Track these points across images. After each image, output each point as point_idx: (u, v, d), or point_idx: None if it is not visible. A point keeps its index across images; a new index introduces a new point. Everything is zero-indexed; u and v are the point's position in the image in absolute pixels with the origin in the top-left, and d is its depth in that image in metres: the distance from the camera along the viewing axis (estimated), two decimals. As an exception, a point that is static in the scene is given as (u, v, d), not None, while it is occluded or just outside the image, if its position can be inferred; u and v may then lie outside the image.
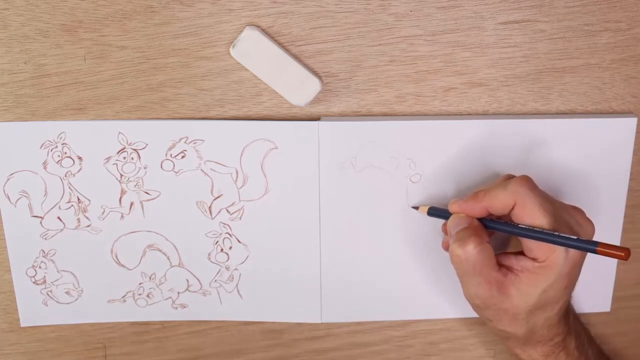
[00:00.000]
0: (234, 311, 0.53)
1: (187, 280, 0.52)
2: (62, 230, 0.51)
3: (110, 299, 0.53)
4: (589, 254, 0.44)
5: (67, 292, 0.52)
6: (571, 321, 0.48)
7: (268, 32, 0.47)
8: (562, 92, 0.50)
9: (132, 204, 0.50)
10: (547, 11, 0.48)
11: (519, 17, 0.48)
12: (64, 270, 0.52)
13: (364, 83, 0.49)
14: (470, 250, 0.43)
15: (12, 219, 0.50)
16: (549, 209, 0.43)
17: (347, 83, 0.49)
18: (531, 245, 0.43)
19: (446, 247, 0.49)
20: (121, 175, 0.50)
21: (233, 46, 0.47)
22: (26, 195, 0.50)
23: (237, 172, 0.50)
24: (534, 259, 0.44)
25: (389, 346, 0.56)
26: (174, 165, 0.50)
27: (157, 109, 0.49)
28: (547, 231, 0.42)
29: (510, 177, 0.46)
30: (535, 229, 0.43)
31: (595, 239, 0.43)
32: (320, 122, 0.49)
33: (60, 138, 0.49)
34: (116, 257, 0.52)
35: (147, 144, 0.49)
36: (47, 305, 0.52)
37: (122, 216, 0.51)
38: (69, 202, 0.50)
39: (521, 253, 0.45)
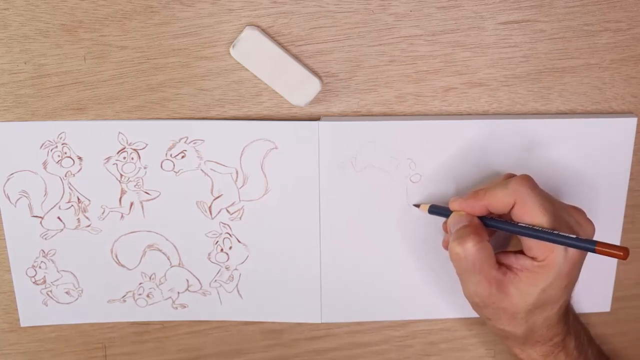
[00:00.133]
0: (234, 311, 0.53)
1: (187, 280, 0.52)
2: (62, 230, 0.51)
3: (110, 299, 0.53)
4: (589, 254, 0.44)
5: (67, 292, 0.52)
6: (571, 321, 0.48)
7: (268, 32, 0.47)
8: (562, 92, 0.50)
9: (132, 204, 0.50)
10: (547, 11, 0.48)
11: (519, 17, 0.48)
12: (64, 270, 0.52)
13: (364, 83, 0.49)
14: (470, 248, 0.43)
15: (12, 219, 0.50)
16: (548, 208, 0.43)
17: (347, 83, 0.49)
18: (531, 244, 0.43)
19: (446, 246, 0.49)
20: (121, 175, 0.50)
21: (233, 46, 0.47)
22: (26, 195, 0.50)
23: (237, 172, 0.50)
24: (533, 258, 0.44)
25: (389, 346, 0.56)
26: (174, 165, 0.50)
27: (157, 109, 0.49)
28: (546, 230, 0.42)
29: (511, 176, 0.46)
30: (534, 227, 0.43)
31: (595, 239, 0.43)
32: (320, 122, 0.49)
33: (60, 138, 0.49)
34: (116, 257, 0.52)
35: (147, 144, 0.49)
36: (47, 305, 0.52)
37: (122, 216, 0.51)
38: (69, 202, 0.50)
39: (521, 252, 0.45)
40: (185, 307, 0.53)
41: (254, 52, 0.47)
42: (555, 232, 0.42)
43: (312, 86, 0.47)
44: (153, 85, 0.48)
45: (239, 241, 0.52)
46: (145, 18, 0.47)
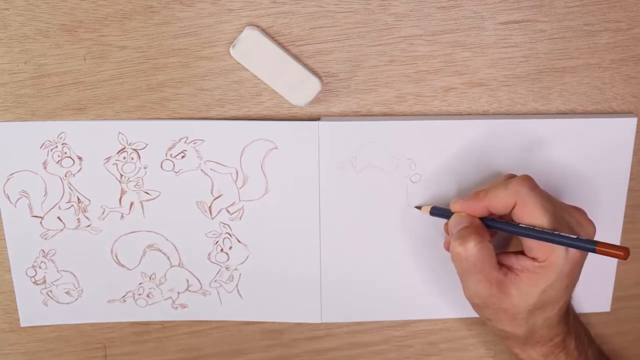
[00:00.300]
0: (234, 311, 0.53)
1: (187, 280, 0.52)
2: (62, 230, 0.51)
3: (110, 299, 0.53)
4: (589, 254, 0.44)
5: (67, 292, 0.52)
6: (571, 321, 0.48)
7: (268, 32, 0.47)
8: (562, 92, 0.50)
9: (132, 204, 0.50)
10: (547, 11, 0.48)
11: (519, 17, 0.48)
12: (64, 270, 0.52)
13: (364, 83, 0.49)
14: (471, 248, 0.43)
15: (12, 219, 0.50)
16: (549, 209, 0.43)
17: (347, 83, 0.49)
18: (531, 245, 0.43)
19: (448, 247, 0.49)
20: (121, 175, 0.50)
21: (233, 46, 0.47)
22: (26, 195, 0.50)
23: (237, 172, 0.50)
24: (534, 259, 0.44)
25: (389, 346, 0.56)
26: (174, 165, 0.50)
27: (157, 109, 0.49)
28: (546, 231, 0.42)
29: (511, 177, 0.46)
30: (535, 228, 0.43)
31: (595, 239, 0.43)
32: (320, 122, 0.49)
33: (60, 138, 0.49)
34: (116, 257, 0.52)
35: (147, 144, 0.49)
36: (47, 305, 0.52)
37: (122, 216, 0.51)
38: (69, 202, 0.50)
39: (521, 252, 0.45)
40: (185, 307, 0.53)
41: (254, 52, 0.47)
42: (556, 232, 0.42)
43: (312, 86, 0.47)
44: (153, 85, 0.48)
45: (239, 241, 0.52)
46: (145, 18, 0.47)
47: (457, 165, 0.50)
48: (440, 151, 0.50)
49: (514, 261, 0.45)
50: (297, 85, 0.47)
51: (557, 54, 0.49)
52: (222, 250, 0.52)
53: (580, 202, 0.49)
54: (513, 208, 0.44)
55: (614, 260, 0.54)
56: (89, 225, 0.51)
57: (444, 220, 0.49)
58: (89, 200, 0.50)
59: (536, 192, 0.43)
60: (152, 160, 0.49)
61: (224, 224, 0.51)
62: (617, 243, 0.53)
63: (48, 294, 0.52)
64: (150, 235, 0.51)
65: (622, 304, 0.56)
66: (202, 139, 0.49)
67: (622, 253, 0.40)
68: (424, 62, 0.49)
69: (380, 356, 0.56)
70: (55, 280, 0.52)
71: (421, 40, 0.48)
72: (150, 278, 0.52)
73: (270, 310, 0.54)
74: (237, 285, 0.53)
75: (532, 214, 0.43)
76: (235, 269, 0.52)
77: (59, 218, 0.50)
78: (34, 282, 0.52)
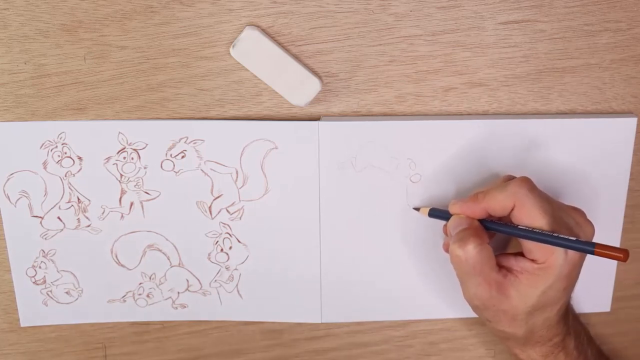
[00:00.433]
0: (234, 311, 0.54)
1: (187, 280, 0.52)
2: (62, 230, 0.51)
3: (110, 299, 0.53)
4: (589, 255, 0.44)
5: (67, 292, 0.52)
6: (570, 321, 0.48)
7: (268, 32, 0.47)
8: (562, 92, 0.50)
9: (132, 204, 0.50)
10: (547, 11, 0.48)
11: (519, 17, 0.48)
12: (64, 270, 0.52)
13: (364, 83, 0.49)
14: (470, 250, 0.43)
15: (12, 219, 0.50)
16: (548, 210, 0.43)
17: (347, 83, 0.49)
18: (530, 247, 0.43)
19: (447, 249, 0.49)
20: (121, 175, 0.50)
21: (233, 46, 0.47)
22: (26, 195, 0.50)
23: (237, 172, 0.50)
24: (533, 261, 0.44)
25: (389, 346, 0.56)
26: (174, 165, 0.50)
27: (157, 109, 0.49)
28: (545, 232, 0.42)
29: (510, 178, 0.46)
30: (534, 230, 0.43)
31: (595, 239, 0.43)
32: (320, 122, 0.49)
33: (60, 138, 0.49)
34: (116, 257, 0.52)
35: (147, 144, 0.49)
36: (47, 305, 0.52)
37: (122, 216, 0.51)
38: (69, 202, 0.50)
39: (521, 254, 0.45)
40: (185, 307, 0.53)
41: (254, 52, 0.47)
42: (555, 234, 0.42)
43: (312, 86, 0.47)
44: (153, 85, 0.48)
45: (239, 241, 0.52)
46: (145, 18, 0.47)
47: (457, 165, 0.50)
48: (440, 151, 0.50)
49: (513, 263, 0.45)
50: (297, 85, 0.47)
51: (557, 54, 0.49)
52: (222, 250, 0.52)
53: (580, 202, 0.49)
54: (512, 210, 0.44)
55: (614, 261, 0.54)
56: (89, 225, 0.51)
57: (444, 221, 0.49)
58: (89, 200, 0.50)
59: (535, 194, 0.43)
60: (152, 160, 0.49)
61: (224, 224, 0.51)
62: (617, 243, 0.53)
63: (48, 294, 0.52)
64: (150, 235, 0.51)
65: (622, 304, 0.56)
66: (202, 139, 0.49)
67: (621, 255, 0.39)
68: (424, 62, 0.49)
69: (380, 356, 0.56)
70: (55, 280, 0.52)
71: (421, 40, 0.48)
72: (150, 278, 0.52)
73: (270, 310, 0.54)
74: (237, 285, 0.53)
75: (531, 216, 0.43)
76: (235, 269, 0.52)
77: (59, 218, 0.50)
78: (34, 282, 0.52)
